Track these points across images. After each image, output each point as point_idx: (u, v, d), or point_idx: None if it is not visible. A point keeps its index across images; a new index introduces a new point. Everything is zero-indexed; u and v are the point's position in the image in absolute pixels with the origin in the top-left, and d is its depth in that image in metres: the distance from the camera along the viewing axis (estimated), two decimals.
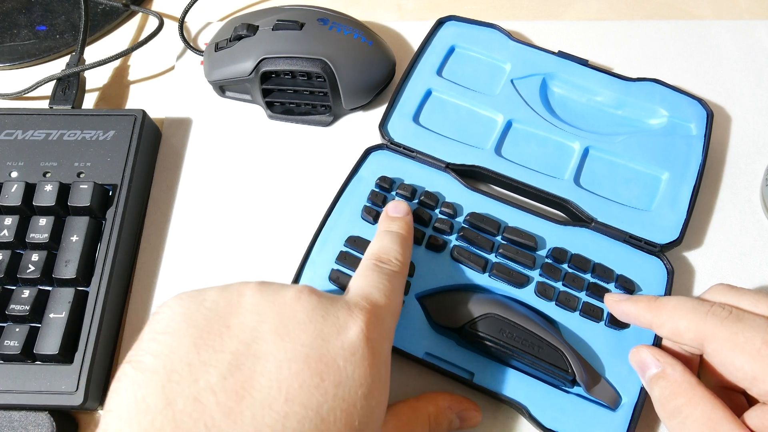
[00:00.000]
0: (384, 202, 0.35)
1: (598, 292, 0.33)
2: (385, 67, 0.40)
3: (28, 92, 0.41)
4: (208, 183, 0.39)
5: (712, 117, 0.38)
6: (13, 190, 0.34)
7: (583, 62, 0.40)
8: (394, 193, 0.36)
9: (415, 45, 0.43)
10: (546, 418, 0.30)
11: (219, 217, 0.37)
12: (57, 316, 0.31)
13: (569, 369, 0.30)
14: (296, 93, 0.39)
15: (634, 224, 0.35)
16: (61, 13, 0.45)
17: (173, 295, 0.36)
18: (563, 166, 0.37)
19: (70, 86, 0.40)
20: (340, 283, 0.33)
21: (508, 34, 0.41)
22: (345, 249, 0.34)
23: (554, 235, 0.35)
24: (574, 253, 0.34)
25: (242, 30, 0.39)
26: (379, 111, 0.41)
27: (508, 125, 0.38)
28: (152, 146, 0.39)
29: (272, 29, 0.38)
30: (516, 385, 0.31)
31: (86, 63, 0.41)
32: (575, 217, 0.36)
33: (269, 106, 0.40)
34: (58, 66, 0.43)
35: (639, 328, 0.32)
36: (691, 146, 0.37)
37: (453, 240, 0.34)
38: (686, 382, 0.26)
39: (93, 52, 0.44)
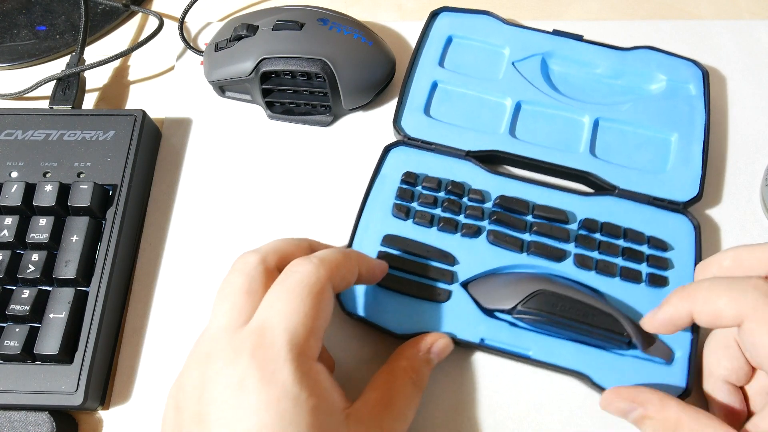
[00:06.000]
0: (412, 197, 0.35)
1: (634, 256, 0.34)
2: (385, 67, 0.40)
3: (28, 92, 0.41)
4: (208, 183, 0.39)
5: (707, 76, 0.40)
6: (13, 190, 0.34)
7: (578, 38, 0.41)
8: (420, 187, 0.36)
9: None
10: (609, 383, 0.31)
11: (219, 218, 0.37)
12: (57, 316, 0.31)
13: (624, 332, 0.30)
14: (296, 93, 0.39)
15: (654, 186, 0.36)
16: (61, 13, 0.45)
17: (173, 297, 0.36)
18: (577, 140, 0.38)
19: (70, 86, 0.40)
20: (382, 284, 0.33)
21: (502, 19, 0.42)
22: (383, 249, 0.34)
23: (582, 207, 0.35)
24: (604, 221, 0.35)
25: (242, 30, 0.39)
26: (379, 111, 0.41)
27: (518, 107, 0.39)
28: (152, 146, 0.39)
29: (272, 29, 0.38)
30: (574, 355, 0.31)
31: (86, 63, 0.41)
32: (598, 187, 0.37)
33: (269, 106, 0.40)
34: (58, 66, 0.43)
35: (680, 284, 0.32)
36: (693, 105, 0.38)
37: (486, 225, 0.35)
38: (673, 414, 0.25)
39: (93, 52, 0.44)
